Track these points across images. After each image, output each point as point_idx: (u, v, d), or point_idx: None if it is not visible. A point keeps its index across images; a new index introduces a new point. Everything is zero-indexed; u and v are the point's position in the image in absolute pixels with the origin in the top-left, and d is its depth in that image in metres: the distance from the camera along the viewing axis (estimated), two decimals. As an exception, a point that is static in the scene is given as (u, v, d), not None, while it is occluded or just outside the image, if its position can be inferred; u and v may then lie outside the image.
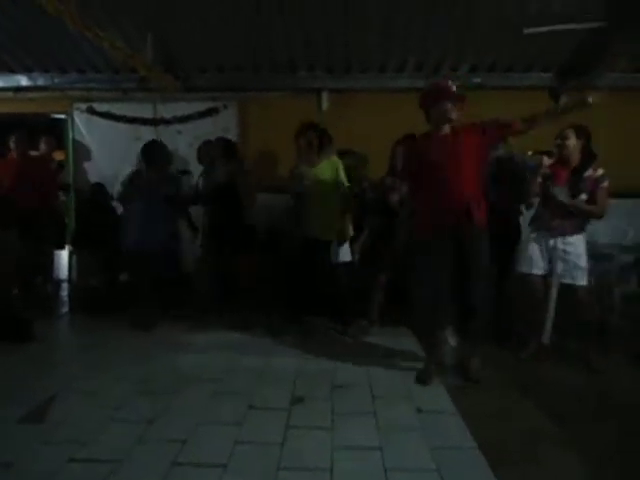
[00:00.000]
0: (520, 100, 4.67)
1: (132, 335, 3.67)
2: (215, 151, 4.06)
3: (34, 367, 3.03)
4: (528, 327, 3.34)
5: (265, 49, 4.55)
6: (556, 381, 2.90)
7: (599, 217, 3.08)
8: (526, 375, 2.98)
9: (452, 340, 3.39)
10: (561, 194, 3.00)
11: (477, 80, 4.78)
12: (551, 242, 3.09)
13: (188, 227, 4.34)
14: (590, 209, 3.02)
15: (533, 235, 3.20)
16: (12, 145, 4.37)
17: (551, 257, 3.10)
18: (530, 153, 3.17)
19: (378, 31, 4.21)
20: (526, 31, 4.06)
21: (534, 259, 3.15)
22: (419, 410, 2.47)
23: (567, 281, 3.08)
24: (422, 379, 2.83)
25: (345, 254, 3.77)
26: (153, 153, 4.01)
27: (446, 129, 2.77)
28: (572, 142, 3.03)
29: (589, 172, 3.02)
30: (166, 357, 3.21)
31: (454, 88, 2.75)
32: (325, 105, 4.99)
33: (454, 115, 2.73)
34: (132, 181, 3.92)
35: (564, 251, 3.06)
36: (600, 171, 3.01)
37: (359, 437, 2.20)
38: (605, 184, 2.99)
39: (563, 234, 3.05)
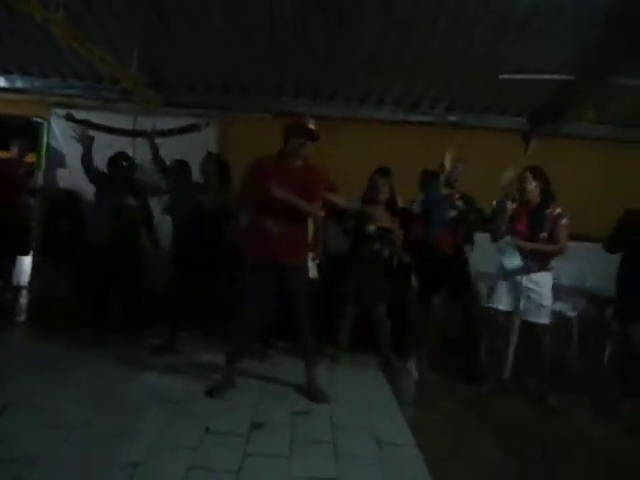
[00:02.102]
0: (494, 141, 4.89)
1: (92, 351, 3.55)
2: (209, 169, 3.83)
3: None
4: (490, 362, 3.40)
5: (253, 72, 4.62)
6: (514, 417, 2.96)
7: (560, 254, 3.18)
8: (486, 410, 3.03)
9: (414, 372, 3.44)
10: (509, 244, 3.13)
11: (452, 118, 4.97)
12: (518, 278, 3.18)
13: (149, 239, 4.14)
14: (551, 249, 3.13)
15: (501, 273, 3.27)
16: None
17: (518, 294, 3.19)
18: (494, 202, 3.32)
19: (364, 65, 4.34)
20: (501, 77, 4.25)
21: (500, 294, 3.26)
22: (378, 441, 2.47)
23: (530, 319, 3.17)
24: (211, 392, 2.90)
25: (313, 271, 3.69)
26: (116, 164, 4.01)
27: (298, 162, 2.95)
28: (530, 184, 3.16)
29: (549, 210, 3.14)
30: (125, 377, 3.12)
31: (312, 127, 2.95)
32: (306, 130, 5.06)
33: (305, 151, 2.93)
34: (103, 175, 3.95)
35: (529, 289, 3.15)
36: (559, 209, 3.13)
37: (317, 467, 2.18)
38: (564, 221, 3.11)
39: (528, 272, 3.15)
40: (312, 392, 2.99)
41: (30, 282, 4.68)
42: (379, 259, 3.68)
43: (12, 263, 4.56)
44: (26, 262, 4.78)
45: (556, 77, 4.17)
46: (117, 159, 4.04)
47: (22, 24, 3.90)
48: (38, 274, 4.64)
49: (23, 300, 4.74)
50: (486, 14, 3.53)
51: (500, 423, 2.86)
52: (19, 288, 4.80)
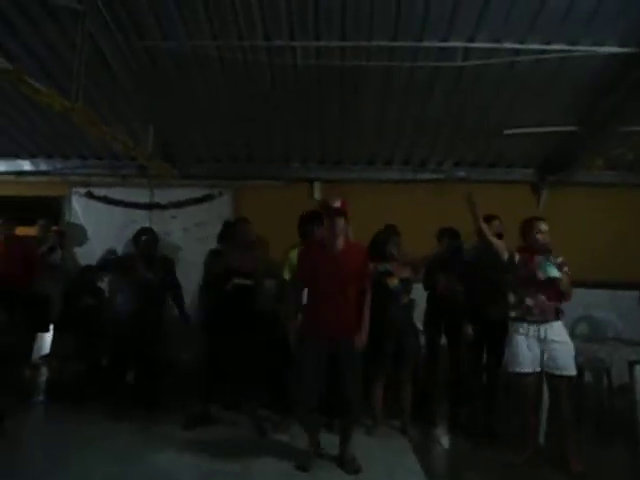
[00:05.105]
0: (504, 193, 4.90)
1: (110, 429, 3.44)
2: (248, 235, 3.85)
3: (2, 465, 2.82)
4: (522, 429, 3.14)
5: (261, 142, 4.81)
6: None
7: (568, 296, 3.04)
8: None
9: (443, 440, 3.26)
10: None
11: (461, 174, 5.03)
12: (541, 333, 3.01)
13: (179, 314, 4.14)
14: (569, 288, 3.00)
15: (519, 328, 3.08)
16: None
17: (542, 350, 3.00)
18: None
19: (370, 129, 4.50)
20: (506, 132, 4.35)
21: (522, 356, 3.02)
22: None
23: (560, 372, 2.96)
24: (302, 466, 2.85)
25: None
26: (140, 239, 4.09)
27: (340, 243, 2.93)
28: (546, 233, 3.09)
29: (555, 258, 3.05)
30: (142, 455, 3.01)
31: (338, 205, 3.09)
32: (317, 194, 5.18)
33: (339, 231, 2.91)
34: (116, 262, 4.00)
35: (554, 341, 2.97)
36: (560, 258, 3.07)
37: None
38: (567, 269, 3.04)
39: (546, 320, 3.00)
40: (346, 463, 2.89)
41: (49, 358, 4.67)
42: (408, 314, 3.59)
43: (32, 340, 4.58)
44: (45, 339, 4.80)
45: (560, 129, 4.24)
46: (140, 235, 4.13)
47: (42, 111, 4.17)
48: (57, 350, 4.63)
49: (41, 378, 4.71)
50: (483, 78, 3.68)
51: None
52: (38, 365, 4.79)
